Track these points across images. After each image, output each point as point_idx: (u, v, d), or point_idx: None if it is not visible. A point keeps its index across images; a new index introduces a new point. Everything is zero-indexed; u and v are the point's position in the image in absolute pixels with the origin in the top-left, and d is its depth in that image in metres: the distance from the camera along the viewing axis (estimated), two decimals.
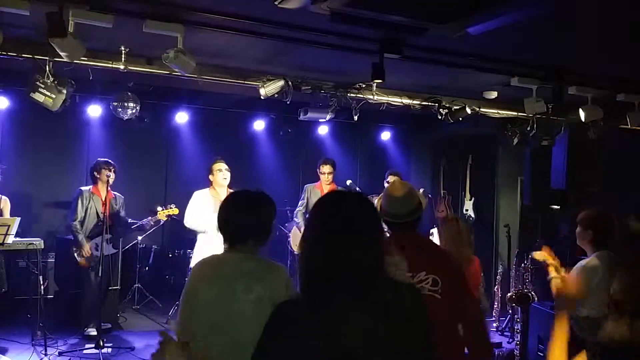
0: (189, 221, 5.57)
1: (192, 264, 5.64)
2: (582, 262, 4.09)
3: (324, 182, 6.76)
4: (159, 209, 6.46)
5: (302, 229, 6.97)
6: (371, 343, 1.58)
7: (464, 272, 2.92)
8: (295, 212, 6.98)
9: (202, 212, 5.45)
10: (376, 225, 1.77)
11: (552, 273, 4.17)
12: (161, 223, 7.26)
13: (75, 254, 6.18)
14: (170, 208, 6.46)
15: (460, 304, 2.64)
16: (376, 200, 3.42)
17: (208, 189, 5.71)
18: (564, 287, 4.00)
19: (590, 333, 4.02)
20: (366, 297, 1.62)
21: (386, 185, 6.31)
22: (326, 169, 6.73)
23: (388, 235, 2.76)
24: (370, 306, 1.61)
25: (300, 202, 6.89)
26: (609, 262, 4.08)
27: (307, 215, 6.65)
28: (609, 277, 4.01)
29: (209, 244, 5.25)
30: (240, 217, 2.64)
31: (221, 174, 5.65)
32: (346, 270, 1.62)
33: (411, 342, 1.65)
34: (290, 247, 7.32)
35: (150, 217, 6.44)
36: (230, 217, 2.65)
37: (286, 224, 8.30)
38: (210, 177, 5.72)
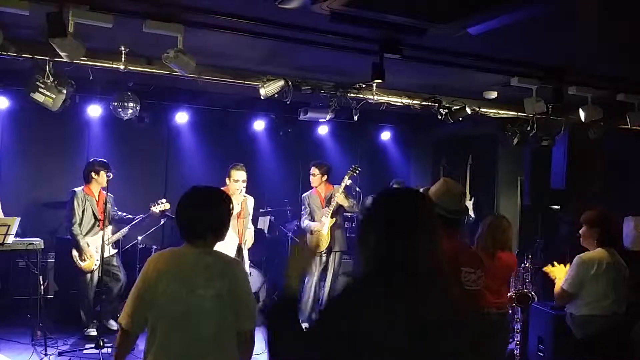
0: None
1: None
2: (580, 255, 4.13)
3: (314, 184, 6.94)
4: (152, 205, 6.48)
5: (313, 230, 6.94)
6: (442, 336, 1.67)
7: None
8: (302, 221, 7.06)
9: None
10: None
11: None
12: (162, 222, 7.27)
13: (77, 259, 6.11)
14: (162, 203, 6.45)
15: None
16: None
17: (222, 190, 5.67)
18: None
19: (586, 332, 4.04)
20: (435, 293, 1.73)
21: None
22: (314, 170, 6.95)
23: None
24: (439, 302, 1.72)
25: (303, 211, 7.02)
26: (613, 259, 4.10)
27: (309, 221, 6.86)
28: (612, 273, 4.03)
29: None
30: (199, 213, 2.66)
31: (236, 185, 5.60)
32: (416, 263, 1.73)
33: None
34: None
35: (143, 215, 6.43)
36: (189, 213, 2.67)
37: (286, 224, 8.31)
38: (227, 180, 5.68)
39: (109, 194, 6.33)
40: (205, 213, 2.66)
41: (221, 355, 2.59)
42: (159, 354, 2.58)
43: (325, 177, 6.96)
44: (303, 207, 7.05)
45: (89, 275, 6.13)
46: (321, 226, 6.71)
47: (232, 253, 5.35)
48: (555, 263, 4.44)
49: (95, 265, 6.13)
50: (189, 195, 2.72)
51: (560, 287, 4.15)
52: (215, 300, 2.54)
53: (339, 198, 6.64)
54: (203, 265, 2.61)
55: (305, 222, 6.95)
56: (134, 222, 6.41)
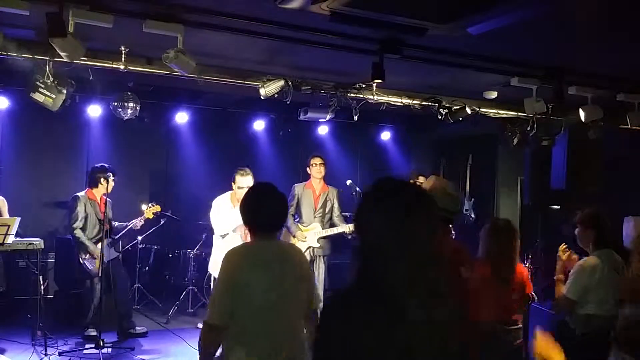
0: (219, 229, 5.55)
1: (211, 267, 5.62)
2: (580, 262, 4.11)
3: (316, 176, 6.59)
4: (143, 207, 6.51)
5: (292, 231, 6.68)
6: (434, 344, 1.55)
7: None
8: None
9: (226, 217, 5.48)
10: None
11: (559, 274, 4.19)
12: (162, 222, 7.28)
13: (86, 262, 6.08)
14: (153, 206, 6.47)
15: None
16: None
17: (228, 195, 5.63)
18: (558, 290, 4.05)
19: (585, 329, 4.04)
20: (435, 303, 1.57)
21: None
22: (317, 160, 6.61)
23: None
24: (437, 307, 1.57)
25: (289, 203, 6.39)
26: (611, 261, 4.09)
27: (296, 217, 6.55)
28: (612, 275, 4.02)
29: (230, 245, 5.31)
30: (271, 207, 2.87)
31: (241, 192, 5.35)
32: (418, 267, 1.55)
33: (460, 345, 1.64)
34: None
35: (139, 218, 6.44)
36: (264, 208, 2.87)
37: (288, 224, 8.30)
38: (233, 184, 5.55)
39: (108, 198, 6.34)
40: (274, 207, 2.88)
41: (299, 337, 2.86)
42: (245, 342, 2.73)
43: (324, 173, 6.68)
44: (290, 198, 6.50)
45: (96, 279, 6.06)
46: (304, 237, 6.39)
47: None
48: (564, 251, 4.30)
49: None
50: (256, 192, 2.95)
51: (563, 294, 4.12)
52: (293, 286, 2.80)
53: (346, 228, 6.37)
54: (277, 255, 2.84)
55: (289, 220, 6.41)
56: (128, 227, 6.42)
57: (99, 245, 6.00)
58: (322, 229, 6.52)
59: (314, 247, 6.49)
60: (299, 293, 2.85)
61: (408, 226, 1.56)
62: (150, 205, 6.53)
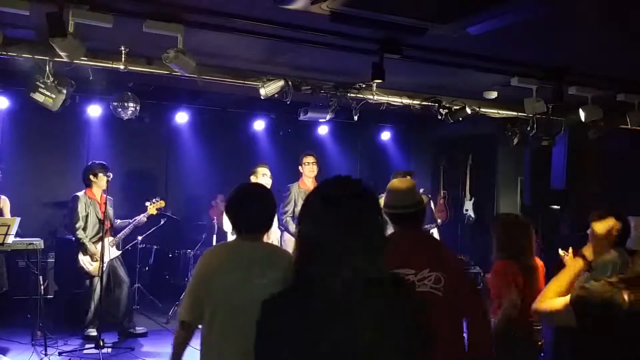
0: (229, 229, 5.54)
1: None
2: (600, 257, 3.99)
3: (309, 175, 6.50)
4: (147, 203, 6.48)
5: (295, 233, 6.68)
6: (373, 339, 1.54)
7: (466, 271, 2.94)
8: (281, 217, 6.32)
9: None
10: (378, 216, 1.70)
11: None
12: (162, 222, 7.27)
13: (85, 263, 6.05)
14: (157, 201, 6.46)
15: (463, 302, 2.65)
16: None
17: None
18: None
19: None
20: (370, 293, 1.57)
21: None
22: (310, 158, 6.54)
23: (392, 231, 2.78)
24: (373, 302, 1.56)
25: (285, 206, 6.40)
26: (623, 259, 4.03)
27: (294, 218, 6.43)
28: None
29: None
30: (252, 208, 2.79)
31: (263, 179, 5.78)
32: (350, 264, 1.55)
33: (409, 341, 1.61)
34: None
35: (142, 214, 6.44)
36: (242, 208, 2.79)
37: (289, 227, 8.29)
38: (252, 177, 5.85)
39: (108, 197, 6.32)
40: (258, 208, 2.79)
41: None
42: (218, 344, 2.69)
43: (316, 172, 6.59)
44: (285, 198, 6.41)
45: (95, 279, 6.06)
46: None
47: None
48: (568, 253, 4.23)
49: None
50: (239, 192, 2.85)
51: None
52: (271, 289, 2.63)
53: None
54: (257, 257, 2.74)
55: (287, 219, 6.32)
56: (132, 224, 6.40)
57: (99, 245, 5.98)
58: None
59: None
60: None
61: (336, 227, 1.58)
62: (154, 200, 6.51)
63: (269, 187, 5.37)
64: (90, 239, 6.11)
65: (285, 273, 2.66)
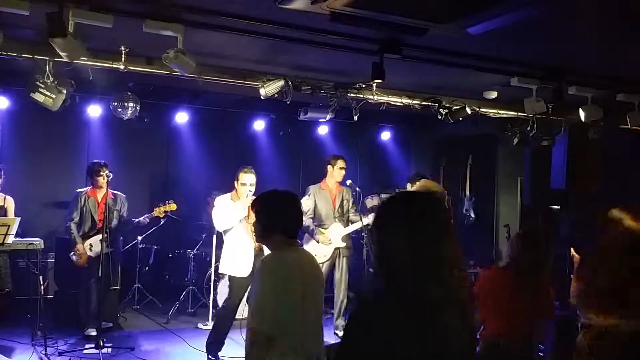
0: (220, 224, 5.54)
1: (223, 267, 5.59)
2: None
3: (338, 178, 6.52)
4: (160, 205, 6.50)
5: (316, 236, 6.60)
6: (459, 344, 1.63)
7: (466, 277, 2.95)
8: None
9: (229, 211, 5.49)
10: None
11: None
12: (162, 222, 7.26)
13: (72, 254, 6.19)
14: (169, 204, 6.46)
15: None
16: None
17: (229, 195, 5.60)
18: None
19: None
20: (452, 301, 1.65)
21: (410, 188, 6.05)
22: (343, 163, 6.54)
23: None
24: (456, 306, 1.65)
25: (305, 207, 6.30)
26: None
27: (314, 221, 6.47)
28: None
29: (239, 245, 5.40)
30: (296, 213, 2.90)
31: (244, 189, 5.44)
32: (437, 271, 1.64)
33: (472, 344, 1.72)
34: None
35: (147, 214, 6.45)
36: (291, 213, 2.88)
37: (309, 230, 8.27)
38: (235, 183, 5.55)
39: (120, 194, 6.42)
40: (298, 213, 2.92)
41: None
42: (299, 353, 2.68)
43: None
44: (306, 201, 6.47)
45: (92, 274, 6.10)
46: (328, 239, 6.38)
47: (251, 256, 5.35)
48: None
49: (88, 263, 6.17)
50: (280, 198, 2.91)
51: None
52: (320, 292, 2.88)
53: (365, 220, 6.26)
54: (309, 263, 2.90)
55: (307, 223, 6.35)
56: (146, 232, 6.45)
57: (89, 241, 6.17)
58: (344, 227, 6.52)
59: (340, 248, 6.50)
60: (322, 298, 2.91)
61: (422, 230, 1.66)
62: (168, 202, 6.50)
63: (250, 195, 5.37)
64: (83, 234, 6.21)
65: (320, 274, 3.01)
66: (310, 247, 6.28)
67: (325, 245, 6.37)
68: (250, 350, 2.59)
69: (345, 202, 6.62)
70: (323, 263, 6.20)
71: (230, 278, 5.49)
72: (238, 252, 5.41)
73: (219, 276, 6.83)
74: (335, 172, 6.56)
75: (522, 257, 3.57)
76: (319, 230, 6.43)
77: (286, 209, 2.86)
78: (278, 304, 2.60)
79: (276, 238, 2.81)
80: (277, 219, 2.82)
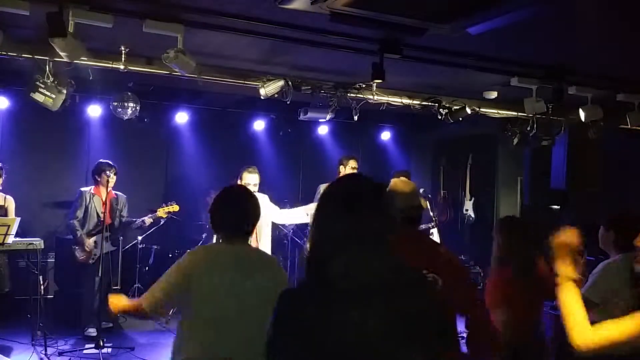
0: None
1: None
2: (607, 261, 3.92)
3: None
4: (162, 205, 6.52)
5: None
6: (385, 332, 1.55)
7: (467, 271, 2.91)
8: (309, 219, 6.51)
9: None
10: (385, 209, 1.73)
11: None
12: (162, 222, 7.27)
13: (75, 252, 6.20)
14: (171, 205, 6.48)
15: (462, 303, 2.64)
16: None
17: None
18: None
19: None
20: (385, 287, 1.59)
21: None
22: (354, 163, 6.47)
23: None
24: (387, 295, 1.58)
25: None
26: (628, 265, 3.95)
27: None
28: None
29: None
30: (236, 210, 2.77)
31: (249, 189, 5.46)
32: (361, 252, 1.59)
33: (425, 337, 1.60)
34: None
35: (149, 215, 6.46)
36: (227, 211, 2.77)
37: (286, 224, 8.29)
38: (239, 181, 5.55)
39: (121, 194, 6.46)
40: (242, 210, 2.78)
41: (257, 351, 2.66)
42: (195, 350, 2.65)
43: None
44: (315, 199, 6.43)
45: (93, 273, 6.12)
46: None
47: None
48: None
49: (92, 260, 6.20)
50: (224, 195, 2.84)
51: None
52: (256, 296, 2.63)
53: None
54: (242, 261, 2.71)
55: None
56: (147, 232, 6.46)
57: (93, 238, 6.18)
58: None
59: None
60: (261, 305, 2.47)
61: (351, 221, 1.61)
62: (170, 203, 6.53)
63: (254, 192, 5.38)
64: (88, 232, 6.24)
65: (276, 278, 2.72)
66: None
67: None
68: None
69: None
70: None
71: None
72: None
73: None
74: (347, 172, 6.49)
75: (512, 248, 3.54)
76: None
77: (220, 206, 2.79)
78: (164, 287, 2.67)
79: (218, 235, 2.84)
80: (213, 215, 2.79)
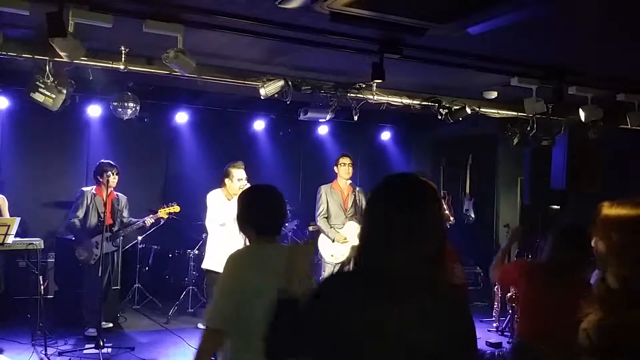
0: (217, 219, 5.52)
1: (206, 263, 5.60)
2: None
3: (344, 176, 6.45)
4: (162, 206, 6.52)
5: (332, 235, 6.49)
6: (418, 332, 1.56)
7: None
8: (316, 219, 6.45)
9: (223, 208, 5.48)
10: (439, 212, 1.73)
11: None
12: (162, 222, 7.26)
13: (77, 252, 6.18)
14: (172, 206, 6.48)
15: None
16: None
17: (220, 190, 5.61)
18: None
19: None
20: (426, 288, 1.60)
21: None
22: (347, 159, 6.47)
23: None
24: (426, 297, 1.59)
25: (319, 207, 6.42)
26: None
27: (325, 221, 6.40)
28: None
29: (229, 242, 5.31)
30: (275, 210, 2.74)
31: (240, 184, 5.43)
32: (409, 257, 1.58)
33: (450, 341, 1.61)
34: (319, 255, 6.48)
35: (150, 215, 6.46)
36: (268, 208, 2.73)
37: (286, 224, 8.29)
38: (226, 180, 5.55)
39: (122, 195, 6.44)
40: (278, 208, 2.75)
41: None
42: (253, 353, 2.61)
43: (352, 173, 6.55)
44: (318, 201, 6.44)
45: (94, 273, 6.10)
46: (344, 238, 6.27)
47: None
48: None
49: (93, 260, 6.17)
50: (257, 193, 2.81)
51: None
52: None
53: None
54: (283, 260, 2.70)
55: (322, 222, 6.36)
56: (147, 232, 6.46)
57: (94, 238, 6.15)
58: (358, 225, 6.47)
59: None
60: None
61: (407, 219, 1.59)
62: (171, 203, 6.53)
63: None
64: (88, 233, 6.22)
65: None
66: (326, 246, 6.30)
67: (341, 243, 6.31)
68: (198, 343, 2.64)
69: (357, 201, 6.57)
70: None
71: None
72: (229, 249, 5.31)
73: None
74: (341, 170, 6.50)
75: (562, 254, 3.29)
76: (333, 229, 6.39)
77: (258, 204, 2.73)
78: (226, 299, 2.59)
79: (249, 233, 2.75)
80: (247, 214, 2.73)
